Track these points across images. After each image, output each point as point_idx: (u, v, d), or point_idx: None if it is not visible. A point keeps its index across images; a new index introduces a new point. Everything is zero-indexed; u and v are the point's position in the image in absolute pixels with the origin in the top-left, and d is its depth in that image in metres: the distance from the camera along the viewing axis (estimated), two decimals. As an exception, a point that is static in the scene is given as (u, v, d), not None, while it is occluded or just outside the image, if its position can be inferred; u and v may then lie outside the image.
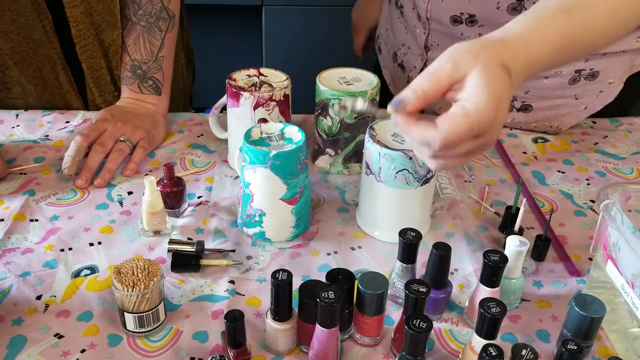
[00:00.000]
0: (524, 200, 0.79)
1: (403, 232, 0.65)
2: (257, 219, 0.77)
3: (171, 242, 0.75)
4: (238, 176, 0.89)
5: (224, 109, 0.92)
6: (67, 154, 0.87)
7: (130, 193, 0.87)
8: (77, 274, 0.72)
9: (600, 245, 0.67)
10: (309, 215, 0.81)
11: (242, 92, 0.84)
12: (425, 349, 0.56)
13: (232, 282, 0.72)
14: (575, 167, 0.96)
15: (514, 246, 0.66)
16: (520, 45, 0.61)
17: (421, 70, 1.05)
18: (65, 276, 0.72)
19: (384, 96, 0.87)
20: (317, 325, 0.59)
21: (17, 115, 1.03)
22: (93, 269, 0.73)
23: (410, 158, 0.72)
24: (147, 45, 0.98)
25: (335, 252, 0.77)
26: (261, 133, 0.77)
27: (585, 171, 0.95)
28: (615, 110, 1.03)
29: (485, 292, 0.64)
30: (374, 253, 0.78)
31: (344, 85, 0.88)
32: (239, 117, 0.87)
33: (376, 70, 1.21)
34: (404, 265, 0.67)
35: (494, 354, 0.53)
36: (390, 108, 0.60)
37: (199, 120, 1.06)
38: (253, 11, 2.17)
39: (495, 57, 0.58)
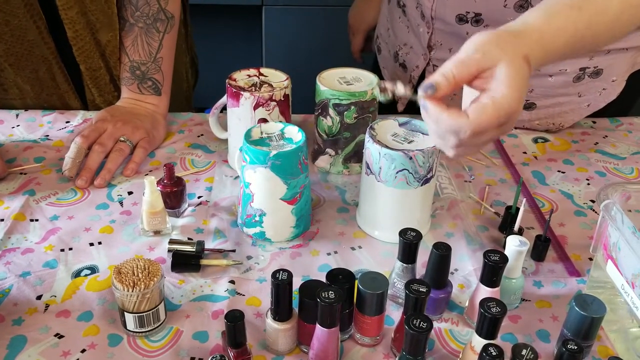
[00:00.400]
0: (524, 200, 0.79)
1: (403, 232, 0.65)
2: (257, 219, 0.77)
3: (171, 242, 0.75)
4: (238, 176, 0.89)
5: (224, 109, 0.92)
6: (68, 156, 0.87)
7: (130, 193, 0.87)
8: (77, 274, 0.72)
9: (601, 245, 0.67)
10: (309, 215, 0.81)
11: (242, 92, 0.84)
12: (425, 349, 0.56)
13: (232, 282, 0.72)
14: (575, 167, 0.96)
15: (514, 246, 0.66)
16: (537, 37, 0.63)
17: (424, 70, 1.05)
18: (65, 276, 0.72)
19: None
20: (317, 325, 0.59)
21: (17, 115, 1.03)
22: (93, 269, 0.73)
23: (411, 158, 0.72)
24: (145, 47, 0.98)
25: (336, 252, 0.77)
26: (261, 133, 0.77)
27: (585, 171, 0.95)
28: (616, 107, 1.03)
29: (485, 292, 0.64)
30: (374, 253, 0.78)
31: (344, 85, 0.88)
32: (239, 117, 0.86)
33: (375, 70, 1.21)
34: (404, 265, 0.67)
35: (494, 353, 0.53)
36: (420, 92, 0.62)
37: (199, 120, 1.06)
38: (253, 11, 2.17)
39: (519, 50, 0.62)
